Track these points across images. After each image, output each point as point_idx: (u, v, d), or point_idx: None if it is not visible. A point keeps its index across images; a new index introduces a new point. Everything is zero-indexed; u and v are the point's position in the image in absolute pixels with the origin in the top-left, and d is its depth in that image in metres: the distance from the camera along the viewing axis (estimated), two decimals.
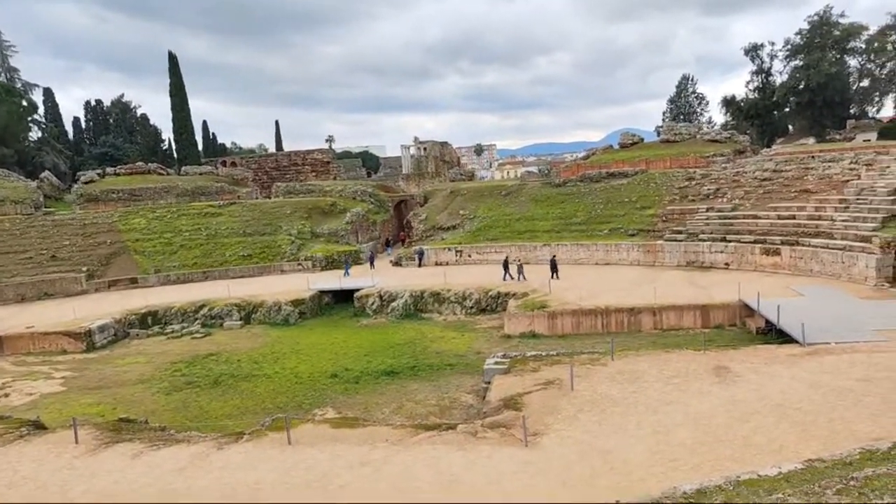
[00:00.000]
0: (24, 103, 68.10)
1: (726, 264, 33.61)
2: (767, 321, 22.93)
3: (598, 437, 13.41)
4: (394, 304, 32.20)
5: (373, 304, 32.55)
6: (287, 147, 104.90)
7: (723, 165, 42.36)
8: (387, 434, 14.48)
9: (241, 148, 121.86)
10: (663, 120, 79.10)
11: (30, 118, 70.34)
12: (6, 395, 22.50)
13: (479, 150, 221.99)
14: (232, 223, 44.88)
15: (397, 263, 42.29)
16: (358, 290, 33.90)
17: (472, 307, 31.56)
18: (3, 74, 73.99)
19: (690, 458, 11.87)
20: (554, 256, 34.90)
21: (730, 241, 33.98)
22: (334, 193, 51.85)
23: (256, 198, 54.31)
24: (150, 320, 31.81)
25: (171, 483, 12.59)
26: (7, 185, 47.75)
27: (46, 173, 56.63)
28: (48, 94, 78.37)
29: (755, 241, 32.88)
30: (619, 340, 22.52)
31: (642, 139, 53.75)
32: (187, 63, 74.90)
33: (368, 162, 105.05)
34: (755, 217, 34.59)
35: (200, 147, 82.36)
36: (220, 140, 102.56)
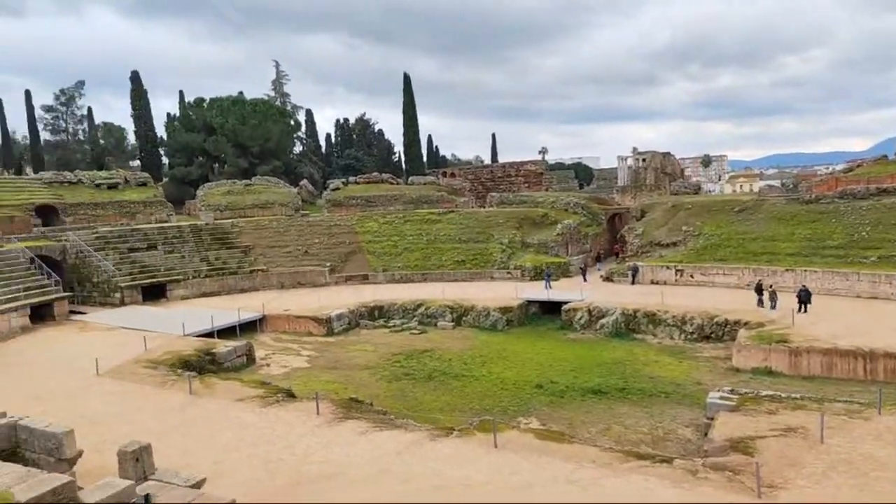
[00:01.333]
0: (292, 123, 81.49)
1: None
2: None
3: None
4: (603, 320, 31.04)
5: (581, 318, 31.76)
6: (501, 158, 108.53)
7: None
8: (594, 455, 13.89)
9: (459, 159, 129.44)
10: None
11: (295, 135, 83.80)
12: (267, 365, 26.70)
13: (706, 161, 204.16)
14: (449, 230, 47.67)
15: (608, 279, 40.77)
16: (566, 302, 33.41)
17: (692, 332, 28.95)
18: (278, 100, 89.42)
19: None
20: (804, 287, 29.85)
21: None
22: (546, 205, 52.02)
23: (472, 207, 56.97)
24: (376, 313, 35.14)
25: (391, 464, 13.62)
26: (277, 191, 57.28)
27: (304, 181, 66.89)
28: (309, 114, 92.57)
29: None
30: (888, 392, 18.61)
31: None
32: (416, 82, 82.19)
33: (581, 174, 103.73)
34: None
35: (424, 159, 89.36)
36: (441, 152, 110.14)
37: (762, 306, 29.93)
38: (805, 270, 34.12)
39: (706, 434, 16.49)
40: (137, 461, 11.31)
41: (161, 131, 78.67)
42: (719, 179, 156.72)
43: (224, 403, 18.40)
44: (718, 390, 18.78)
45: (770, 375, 22.89)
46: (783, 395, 18.21)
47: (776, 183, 64.84)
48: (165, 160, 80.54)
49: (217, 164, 73.99)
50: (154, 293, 39.29)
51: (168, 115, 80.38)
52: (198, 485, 11.02)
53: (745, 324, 27.33)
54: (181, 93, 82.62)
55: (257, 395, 19.18)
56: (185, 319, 30.03)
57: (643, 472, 12.83)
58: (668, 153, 76.46)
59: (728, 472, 12.82)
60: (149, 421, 16.87)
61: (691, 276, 38.21)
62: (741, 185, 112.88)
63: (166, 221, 51.36)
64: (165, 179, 73.91)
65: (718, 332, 28.51)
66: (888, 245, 33.68)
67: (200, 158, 72.70)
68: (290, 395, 19.53)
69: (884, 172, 41.75)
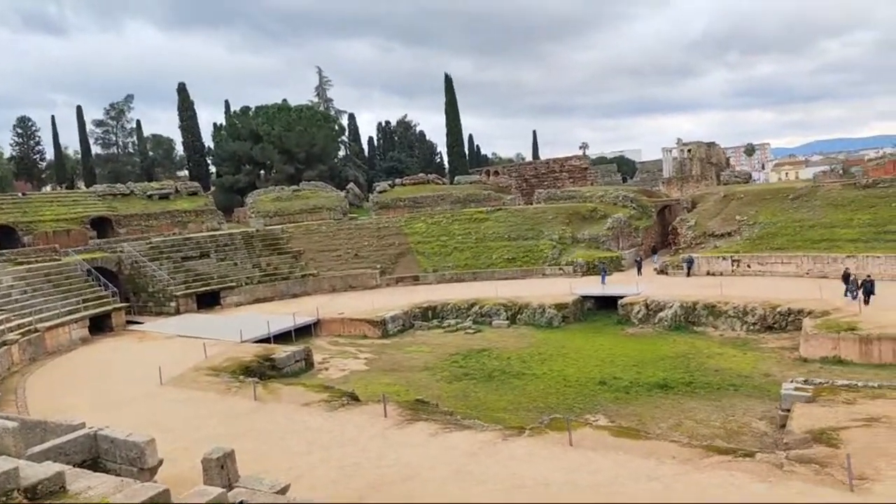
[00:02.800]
0: (336, 127, 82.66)
1: None
2: None
3: None
4: (661, 314, 30.53)
5: (638, 312, 31.32)
6: (542, 155, 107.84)
7: None
8: (673, 451, 13.72)
9: (500, 158, 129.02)
10: None
11: (339, 139, 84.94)
12: (326, 369, 26.99)
13: (749, 150, 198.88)
14: (498, 228, 47.60)
15: (662, 271, 40.08)
16: (622, 297, 33.01)
17: (754, 323, 28.25)
18: (322, 105, 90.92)
19: None
20: (869, 277, 28.43)
21: None
22: (594, 199, 51.42)
23: (519, 204, 56.69)
24: (430, 314, 35.26)
25: (466, 465, 13.70)
26: (323, 195, 58.24)
27: (351, 185, 67.90)
28: (351, 118, 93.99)
29: None
30: None
31: None
32: (454, 82, 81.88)
33: (624, 167, 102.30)
34: None
35: (467, 158, 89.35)
36: (482, 151, 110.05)
37: (854, 298, 27.62)
38: (867, 256, 33.05)
39: (783, 426, 16.17)
40: (223, 468, 11.34)
41: (207, 141, 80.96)
42: (763, 168, 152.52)
43: (290, 408, 18.60)
44: (792, 381, 18.32)
45: (840, 364, 22.32)
46: (860, 384, 17.69)
47: (821, 169, 62.57)
48: (212, 169, 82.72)
49: (264, 172, 75.64)
50: (208, 301, 39.95)
51: (214, 124, 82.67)
52: (283, 491, 11.01)
53: (810, 313, 26.61)
54: (227, 102, 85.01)
55: (322, 399, 19.29)
56: (242, 326, 30.58)
57: (726, 467, 12.63)
58: (713, 143, 75.01)
59: (815, 465, 12.52)
60: (217, 428, 17.10)
61: (748, 266, 37.27)
62: (786, 173, 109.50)
63: (217, 229, 52.22)
64: (213, 188, 75.95)
65: (781, 321, 27.82)
66: None
67: (248, 166, 74.44)
68: (355, 399, 19.62)
69: None
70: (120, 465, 11.78)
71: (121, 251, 41.76)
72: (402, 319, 33.79)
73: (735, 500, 11.27)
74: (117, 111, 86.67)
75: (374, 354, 28.91)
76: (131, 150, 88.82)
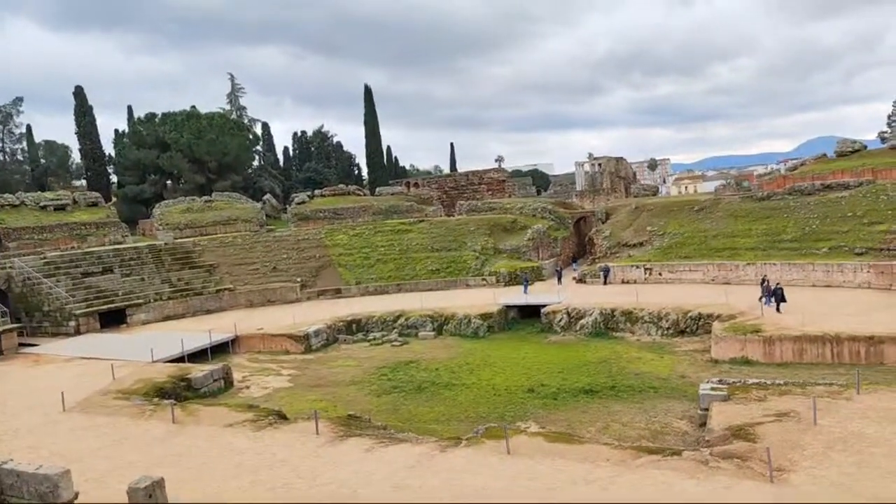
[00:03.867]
0: (250, 136, 79.74)
1: None
2: None
3: (862, 481, 11.80)
4: (582, 321, 31.60)
5: (560, 320, 32.24)
6: (459, 167, 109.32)
7: None
8: (606, 454, 14.08)
9: (418, 170, 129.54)
10: (889, 124, 68.58)
11: (253, 149, 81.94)
12: (247, 388, 25.80)
13: (652, 164, 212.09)
14: (421, 239, 47.57)
15: (581, 280, 41.56)
16: (544, 306, 33.86)
17: (668, 328, 29.82)
18: (234, 113, 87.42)
19: None
20: (779, 285, 29.46)
21: None
22: (514, 211, 52.65)
23: (441, 216, 56.97)
24: (354, 327, 34.62)
25: (405, 479, 13.41)
26: (238, 207, 55.83)
27: (268, 196, 65.55)
28: (265, 127, 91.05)
29: None
30: (861, 372, 19.66)
31: (865, 146, 47.21)
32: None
33: (537, 180, 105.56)
34: None
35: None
36: (400, 163, 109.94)
37: (768, 304, 28.42)
38: (764, 263, 35.78)
39: (703, 424, 17.03)
40: (150, 497, 10.67)
41: (108, 148, 76.03)
42: (664, 182, 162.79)
43: (212, 430, 17.63)
44: (708, 382, 19.39)
45: (747, 364, 23.88)
46: (768, 381, 18.98)
47: (719, 183, 67.88)
48: (114, 179, 77.58)
49: (171, 182, 71.71)
50: (113, 319, 37.55)
51: (116, 131, 77.78)
52: None
53: (718, 317, 28.33)
54: (129, 108, 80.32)
55: (247, 419, 18.44)
56: (153, 345, 28.76)
57: (657, 467, 13.09)
58: (621, 158, 79.00)
59: (736, 460, 13.24)
60: (130, 454, 15.95)
61: (660, 274, 39.39)
62: (686, 187, 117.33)
63: (121, 243, 49.20)
64: (115, 199, 71.13)
65: (693, 326, 29.46)
66: (836, 236, 35.72)
67: (154, 176, 70.36)
68: (282, 417, 18.90)
69: (826, 170, 44.36)
70: (28, 501, 10.83)
71: (10, 267, 38.48)
72: (325, 333, 32.93)
73: (668, 499, 11.67)
74: (4, 115, 79.45)
75: (297, 370, 27.97)
76: (20, 158, 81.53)
